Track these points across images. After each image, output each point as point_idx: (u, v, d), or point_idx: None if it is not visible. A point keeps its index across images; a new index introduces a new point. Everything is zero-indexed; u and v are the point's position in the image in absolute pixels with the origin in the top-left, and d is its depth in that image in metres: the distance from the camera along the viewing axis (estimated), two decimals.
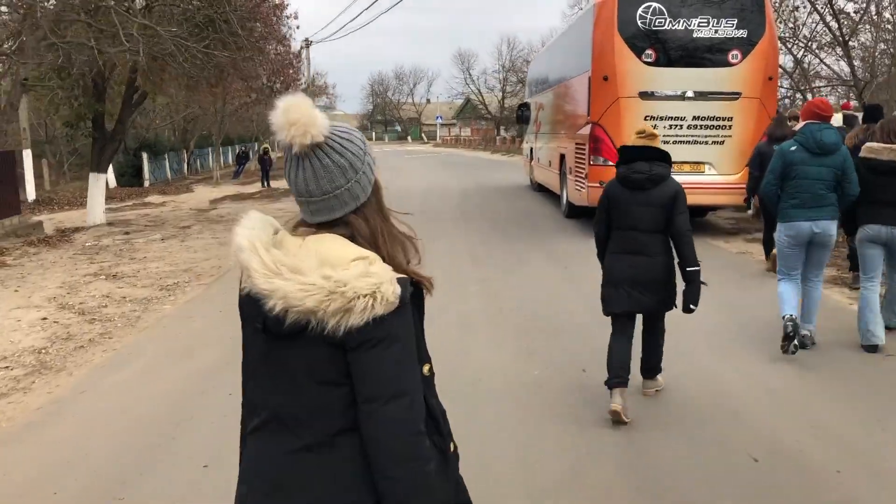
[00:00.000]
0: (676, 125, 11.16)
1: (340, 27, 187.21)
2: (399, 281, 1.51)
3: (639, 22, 11.17)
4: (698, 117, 11.24)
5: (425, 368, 1.66)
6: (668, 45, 11.21)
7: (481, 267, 9.38)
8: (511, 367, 5.59)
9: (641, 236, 4.53)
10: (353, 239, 1.57)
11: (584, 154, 11.99)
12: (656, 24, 11.16)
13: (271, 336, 1.56)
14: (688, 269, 4.51)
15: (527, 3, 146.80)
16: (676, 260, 4.58)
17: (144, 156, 29.30)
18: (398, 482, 1.49)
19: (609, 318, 4.73)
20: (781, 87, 21.76)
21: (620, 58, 11.21)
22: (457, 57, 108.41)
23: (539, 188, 18.80)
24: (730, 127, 11.23)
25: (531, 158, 19.73)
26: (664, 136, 11.13)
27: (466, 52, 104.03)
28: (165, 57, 12.07)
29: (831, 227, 5.61)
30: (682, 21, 11.12)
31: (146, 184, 28.32)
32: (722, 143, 11.23)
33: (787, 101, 23.11)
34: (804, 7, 18.91)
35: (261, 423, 1.64)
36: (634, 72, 11.22)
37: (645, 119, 11.17)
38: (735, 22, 11.09)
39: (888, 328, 5.95)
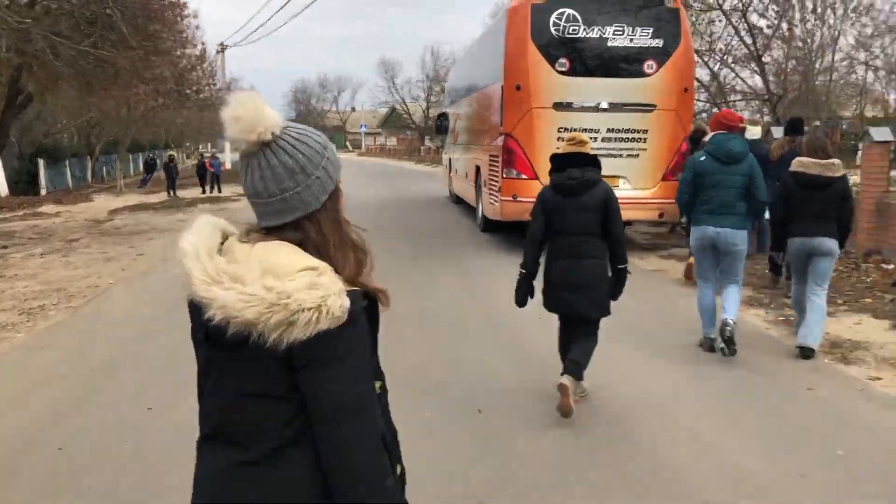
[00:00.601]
0: (591, 137, 10.65)
1: (252, 31, 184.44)
2: (349, 294, 1.46)
3: (552, 29, 10.72)
4: (613, 129, 10.85)
5: (377, 385, 1.59)
6: (583, 54, 10.79)
7: (388, 288, 8.68)
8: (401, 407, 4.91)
9: (577, 240, 4.68)
10: (302, 246, 1.51)
11: (497, 167, 11.47)
12: (570, 31, 10.73)
13: (214, 346, 1.52)
14: (619, 266, 4.73)
15: (452, 13, 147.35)
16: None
17: (41, 162, 27.48)
18: (359, 501, 1.46)
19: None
20: (699, 100, 21.92)
21: (534, 66, 10.74)
22: (380, 65, 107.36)
23: (458, 200, 18.26)
24: (645, 140, 10.88)
25: (450, 169, 19.19)
26: (550, 159, 10.68)
27: (390, 61, 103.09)
28: (37, 53, 10.96)
29: (735, 236, 5.77)
30: (596, 29, 10.73)
31: (42, 192, 26.57)
32: (637, 156, 10.87)
33: (704, 114, 23.34)
34: (720, 21, 19.00)
35: (209, 433, 1.59)
36: (548, 81, 10.76)
37: (559, 130, 10.73)
38: (651, 31, 10.76)
39: (801, 347, 5.86)
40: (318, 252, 1.51)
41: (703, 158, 5.92)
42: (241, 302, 1.39)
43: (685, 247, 11.29)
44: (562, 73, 10.75)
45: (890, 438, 4.35)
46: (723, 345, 5.71)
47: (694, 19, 19.02)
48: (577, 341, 4.79)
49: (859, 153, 14.19)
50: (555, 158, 4.82)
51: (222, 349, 1.48)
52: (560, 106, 10.79)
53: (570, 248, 4.71)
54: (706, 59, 19.47)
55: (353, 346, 1.47)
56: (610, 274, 4.76)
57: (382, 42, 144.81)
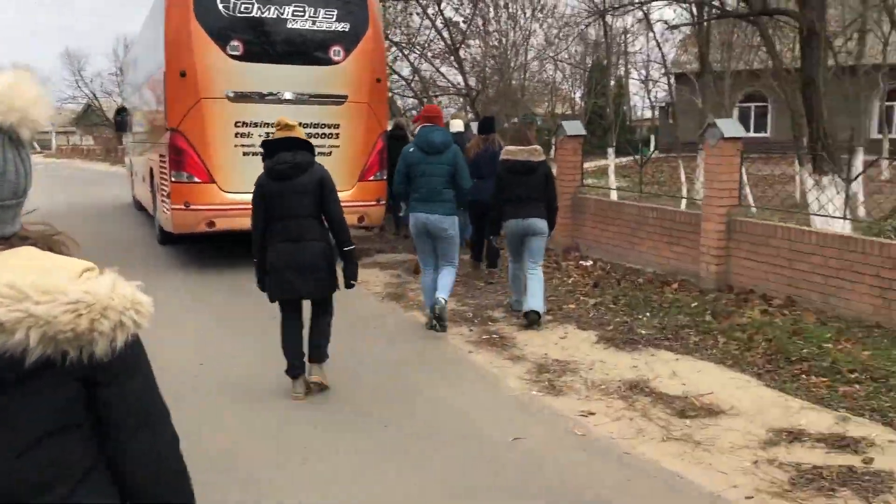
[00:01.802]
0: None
1: None
2: None
3: (221, 6, 9.06)
4: (301, 124, 9.45)
5: None
6: (260, 37, 9.28)
7: None
8: None
9: (297, 223, 4.76)
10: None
11: (167, 168, 9.58)
12: (243, 9, 9.15)
13: None
14: (344, 248, 4.87)
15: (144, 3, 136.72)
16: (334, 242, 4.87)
17: None
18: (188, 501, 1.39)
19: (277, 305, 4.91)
20: (406, 95, 21.50)
21: (200, 50, 9.01)
22: (65, 56, 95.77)
23: (141, 207, 15.81)
24: (337, 136, 9.66)
25: (130, 172, 16.66)
26: (261, 146, 9.20)
27: (76, 52, 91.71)
28: None
29: (444, 221, 6.26)
30: (273, 8, 9.27)
31: None
32: (329, 154, 9.57)
33: (414, 111, 23.08)
34: (418, 14, 18.55)
35: None
36: (219, 67, 9.09)
37: (236, 125, 9.15)
38: (335, 13, 9.55)
39: (526, 311, 6.37)
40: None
41: (411, 150, 6.42)
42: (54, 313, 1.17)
43: (394, 251, 10.41)
44: (235, 57, 9.14)
45: (607, 496, 3.47)
46: (435, 322, 6.26)
47: (393, 10, 18.40)
48: (312, 325, 4.98)
49: (553, 148, 14.39)
50: (266, 144, 4.96)
51: (4, 390, 1.19)
52: (236, 96, 9.18)
53: (289, 232, 4.76)
54: (406, 52, 18.98)
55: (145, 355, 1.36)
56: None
57: (68, 32, 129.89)
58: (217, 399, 4.87)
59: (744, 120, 31.05)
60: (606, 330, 6.17)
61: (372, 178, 9.93)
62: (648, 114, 43.98)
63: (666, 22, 23.32)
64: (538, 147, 6.61)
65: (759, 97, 31.72)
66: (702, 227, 7.90)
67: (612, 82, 30.76)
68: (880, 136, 25.07)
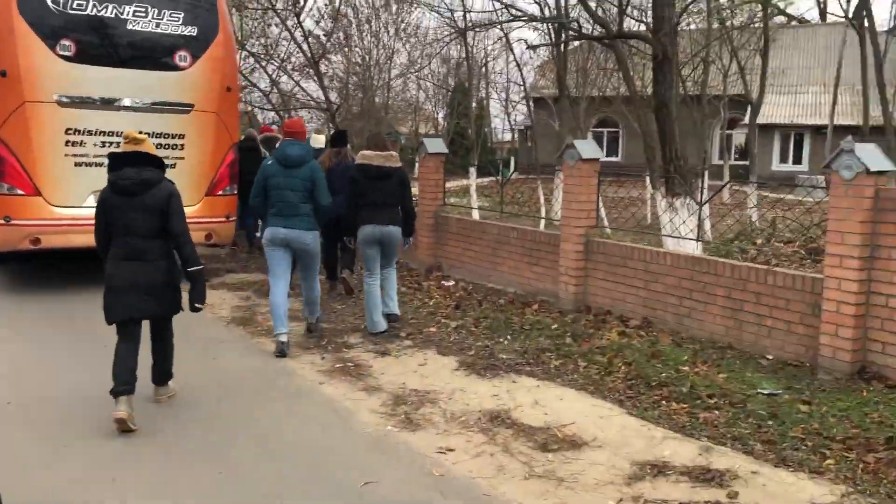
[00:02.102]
0: (112, 143, 8.43)
1: None
2: None
3: (50, 2, 8.19)
4: (140, 133, 8.68)
5: None
6: (95, 37, 8.43)
7: None
8: None
9: (139, 242, 4.58)
10: None
11: None
12: (76, 5, 8.30)
13: None
14: (189, 269, 4.67)
15: None
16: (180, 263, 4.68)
17: None
18: None
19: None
20: (265, 108, 20.71)
21: (25, 48, 8.08)
22: None
23: None
24: (182, 147, 8.93)
25: None
26: (95, 156, 8.37)
27: None
28: None
29: (305, 236, 6.18)
30: (111, 7, 8.47)
31: None
32: (173, 166, 8.81)
33: (275, 126, 22.32)
34: (277, 25, 17.91)
35: None
36: (47, 69, 8.18)
37: (67, 133, 8.28)
38: (181, 16, 8.86)
39: (388, 315, 6.64)
40: None
41: (270, 162, 6.32)
42: None
43: (245, 271, 9.77)
44: (66, 58, 8.26)
45: None
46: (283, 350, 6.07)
47: (248, 19, 17.68)
48: (154, 348, 4.86)
49: (416, 166, 14.19)
50: (111, 157, 4.78)
51: None
52: (67, 101, 8.30)
53: (131, 250, 4.58)
54: (264, 64, 18.27)
55: None
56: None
57: None
58: (25, 438, 4.19)
59: (597, 144, 32.36)
60: (467, 355, 5.90)
61: (221, 192, 9.27)
62: (508, 136, 45.09)
63: (526, 41, 23.76)
64: (394, 153, 6.64)
65: (612, 122, 33.18)
66: (561, 247, 7.84)
67: (474, 104, 31.18)
68: (721, 162, 26.75)
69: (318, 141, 10.30)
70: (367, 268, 6.66)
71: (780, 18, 27.94)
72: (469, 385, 5.21)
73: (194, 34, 8.93)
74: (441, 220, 9.89)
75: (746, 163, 29.51)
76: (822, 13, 38.71)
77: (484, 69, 32.56)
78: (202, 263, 4.77)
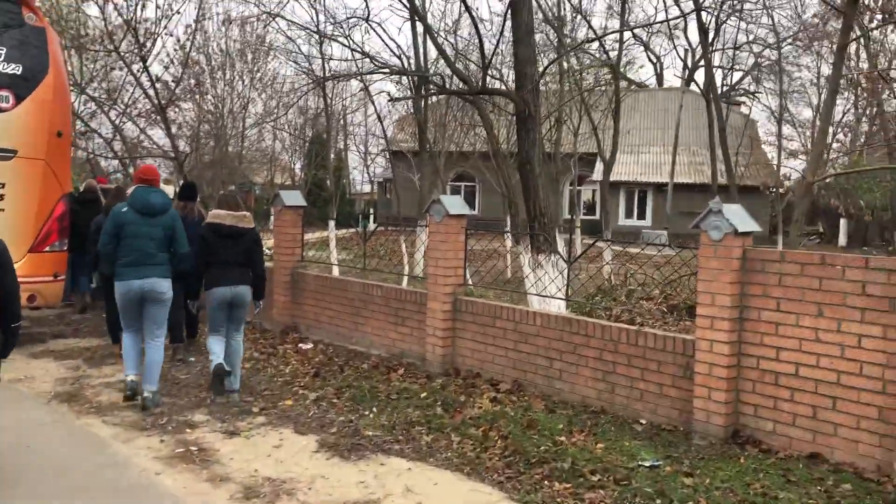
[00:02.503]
0: None
1: None
2: None
3: None
4: None
5: None
6: None
7: None
8: None
9: None
10: None
11: None
12: None
13: None
14: (12, 324, 4.38)
15: None
16: None
17: None
18: None
19: None
20: (107, 156, 19.32)
21: None
22: None
23: None
24: (1, 197, 7.92)
25: None
26: None
27: None
28: None
29: (161, 284, 6.01)
30: None
31: None
32: None
33: (119, 174, 20.89)
34: (121, 68, 16.75)
35: None
36: None
37: None
38: (3, 52, 7.92)
39: (228, 391, 6.23)
40: None
41: (124, 210, 6.11)
42: None
43: (76, 336, 8.74)
44: None
45: None
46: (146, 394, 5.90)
47: (88, 62, 16.48)
48: None
49: (272, 218, 13.51)
50: None
51: None
52: None
53: None
54: (106, 109, 17.00)
55: None
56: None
57: None
58: None
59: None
60: (329, 433, 5.32)
61: (48, 248, 8.28)
62: (368, 187, 44.88)
63: (389, 94, 23.65)
64: (247, 213, 6.49)
65: (469, 177, 33.71)
66: (428, 307, 7.47)
67: (332, 155, 30.78)
68: (571, 216, 27.64)
69: (167, 191, 9.56)
70: (212, 330, 6.33)
71: (624, 83, 29.57)
72: (332, 470, 4.64)
73: (19, 73, 8.00)
74: (298, 277, 9.30)
75: (595, 217, 30.80)
76: (660, 79, 41.66)
77: (342, 121, 32.34)
78: (22, 317, 4.52)
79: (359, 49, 11.27)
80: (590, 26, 19.09)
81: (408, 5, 11.63)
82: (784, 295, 5.02)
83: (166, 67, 16.52)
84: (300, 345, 8.43)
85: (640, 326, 5.99)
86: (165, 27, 14.58)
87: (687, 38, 49.35)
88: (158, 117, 15.72)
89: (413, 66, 13.81)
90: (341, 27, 12.30)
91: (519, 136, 8.33)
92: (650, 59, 41.03)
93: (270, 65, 25.64)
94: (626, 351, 5.96)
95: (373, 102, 17.53)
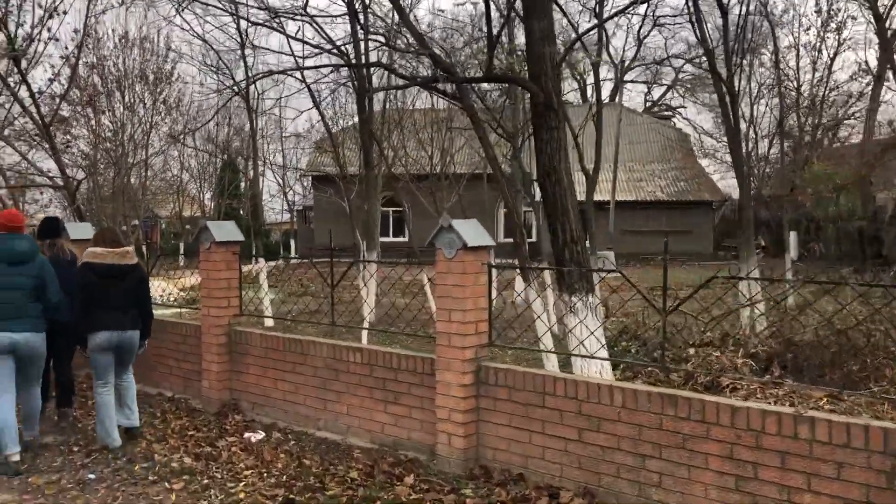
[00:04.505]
0: None
1: None
2: None
3: None
4: None
5: None
6: None
7: None
8: None
9: None
10: None
11: None
12: None
13: None
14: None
15: None
16: None
17: None
18: None
19: None
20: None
21: None
22: None
23: None
24: None
25: None
26: None
27: None
28: None
29: (34, 339, 5.56)
30: None
31: None
32: None
33: None
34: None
35: None
36: None
37: None
38: None
39: (125, 427, 5.95)
40: None
41: None
42: None
43: None
44: None
45: None
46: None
47: None
48: None
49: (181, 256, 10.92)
50: None
51: None
52: None
53: None
54: None
55: None
56: None
57: None
58: None
59: (384, 224, 30.45)
60: None
61: None
62: (285, 216, 41.94)
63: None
64: (130, 249, 6.06)
65: (397, 202, 31.45)
66: (437, 378, 5.25)
67: (251, 177, 28.14)
68: (507, 240, 25.78)
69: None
70: (98, 377, 5.91)
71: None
72: None
73: None
74: (237, 336, 6.89)
75: (532, 240, 29.09)
76: (583, 94, 40.77)
77: (252, 143, 29.72)
78: None
79: (299, 38, 9.01)
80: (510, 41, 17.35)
81: None
82: None
83: (51, 80, 13.75)
84: (247, 434, 6.05)
85: (797, 410, 3.93)
86: (48, 28, 11.81)
87: (609, 54, 48.97)
88: (42, 139, 12.93)
89: (348, 59, 11.46)
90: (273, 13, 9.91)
91: (537, 137, 6.21)
92: (573, 76, 40.13)
93: (175, 87, 22.93)
94: (778, 446, 3.92)
95: (314, 98, 14.83)
